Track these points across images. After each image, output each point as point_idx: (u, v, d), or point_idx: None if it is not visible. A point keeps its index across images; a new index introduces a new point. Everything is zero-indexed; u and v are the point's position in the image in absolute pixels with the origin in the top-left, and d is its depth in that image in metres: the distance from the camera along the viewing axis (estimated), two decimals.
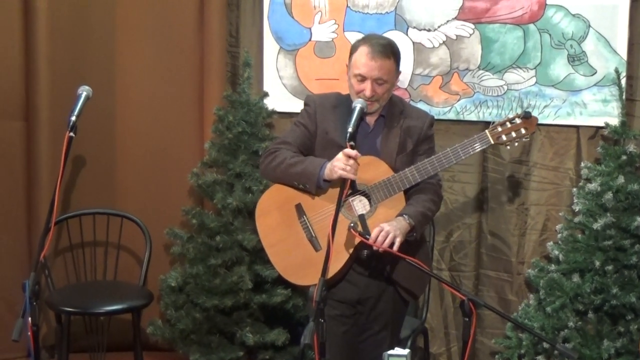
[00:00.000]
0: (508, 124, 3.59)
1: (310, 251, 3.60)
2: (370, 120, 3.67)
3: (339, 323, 3.64)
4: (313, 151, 3.70)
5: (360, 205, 3.58)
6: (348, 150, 3.40)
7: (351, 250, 3.54)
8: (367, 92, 3.54)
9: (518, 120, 3.59)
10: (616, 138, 4.33)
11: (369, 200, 3.57)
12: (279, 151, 3.66)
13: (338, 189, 3.38)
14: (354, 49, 3.63)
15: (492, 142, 3.59)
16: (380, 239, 3.41)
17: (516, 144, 3.63)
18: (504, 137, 3.58)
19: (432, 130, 3.74)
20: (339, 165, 3.42)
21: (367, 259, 3.59)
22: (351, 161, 3.40)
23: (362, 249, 3.54)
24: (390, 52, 3.59)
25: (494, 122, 3.64)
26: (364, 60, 3.55)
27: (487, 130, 3.58)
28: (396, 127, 3.65)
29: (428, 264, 3.91)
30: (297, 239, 3.62)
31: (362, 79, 3.56)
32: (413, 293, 3.72)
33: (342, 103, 3.68)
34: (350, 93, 3.65)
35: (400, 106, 3.72)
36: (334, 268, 3.49)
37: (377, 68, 3.54)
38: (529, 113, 3.59)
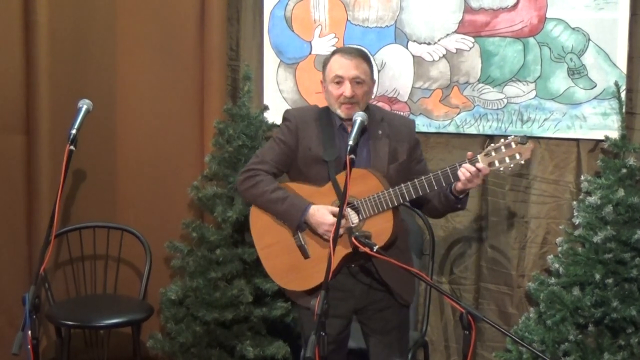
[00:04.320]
0: (503, 149, 3.46)
1: (299, 258, 3.64)
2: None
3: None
4: (294, 167, 3.71)
5: (348, 217, 3.59)
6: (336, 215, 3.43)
7: (340, 260, 3.56)
8: (347, 92, 3.54)
9: (514, 145, 3.45)
10: (616, 151, 4.31)
11: (357, 213, 3.58)
12: (258, 176, 3.68)
13: (330, 201, 3.50)
14: (326, 61, 3.67)
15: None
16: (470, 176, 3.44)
17: (510, 169, 3.53)
18: (496, 163, 3.47)
19: (416, 134, 3.78)
20: (332, 230, 3.39)
21: (351, 272, 3.65)
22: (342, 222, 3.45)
23: (350, 262, 3.60)
24: (363, 54, 3.65)
25: (488, 146, 3.52)
26: (339, 62, 3.59)
27: (479, 155, 3.48)
28: (382, 136, 3.65)
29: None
30: (287, 245, 3.66)
31: (340, 80, 3.57)
32: (407, 295, 3.74)
33: (323, 116, 3.68)
34: (329, 104, 3.66)
35: (379, 113, 3.73)
36: (319, 278, 3.48)
37: (353, 66, 3.56)
38: (526, 139, 3.44)
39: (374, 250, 3.33)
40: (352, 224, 3.56)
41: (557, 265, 4.35)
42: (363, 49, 3.80)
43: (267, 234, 3.70)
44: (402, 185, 3.52)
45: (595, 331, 4.23)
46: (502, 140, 3.48)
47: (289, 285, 3.70)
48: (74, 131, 3.44)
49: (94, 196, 5.05)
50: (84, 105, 3.58)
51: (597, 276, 4.17)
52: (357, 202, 3.56)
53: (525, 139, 3.44)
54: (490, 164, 3.47)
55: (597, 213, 4.25)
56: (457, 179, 3.48)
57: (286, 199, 3.61)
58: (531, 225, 4.63)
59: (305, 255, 3.64)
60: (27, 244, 4.94)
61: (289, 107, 4.76)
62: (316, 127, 3.67)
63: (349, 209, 3.57)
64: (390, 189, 3.53)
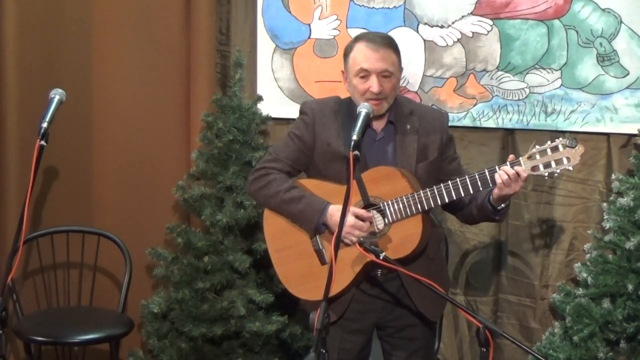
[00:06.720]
0: (549, 152, 3.49)
1: (316, 264, 3.67)
2: (378, 126, 3.69)
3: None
4: (312, 165, 3.75)
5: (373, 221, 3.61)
6: (360, 216, 3.53)
7: (358, 269, 3.59)
8: (375, 88, 3.56)
9: (561, 148, 3.49)
10: None
11: (383, 217, 3.60)
12: (270, 175, 3.73)
13: (354, 201, 3.52)
14: (349, 49, 3.68)
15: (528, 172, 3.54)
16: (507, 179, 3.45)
17: (556, 174, 3.58)
18: (541, 167, 3.50)
19: (450, 130, 3.81)
20: (353, 233, 3.52)
21: (376, 280, 3.66)
22: (365, 225, 3.53)
23: (374, 269, 3.61)
24: (390, 42, 3.67)
25: (532, 148, 3.54)
26: (364, 54, 3.60)
27: (521, 158, 3.52)
28: (411, 131, 3.68)
29: (447, 283, 4.03)
30: (303, 249, 3.70)
31: (366, 74, 3.59)
32: (434, 312, 3.79)
33: (343, 108, 3.71)
34: (353, 97, 3.68)
35: (408, 106, 3.76)
36: (337, 287, 3.56)
37: (380, 59, 3.58)
38: (575, 142, 3.48)
39: (381, 257, 3.30)
40: (377, 229, 3.59)
41: (585, 275, 4.33)
42: (389, 35, 3.83)
43: (282, 237, 3.74)
44: (435, 187, 3.55)
45: (627, 348, 4.21)
46: (549, 142, 3.51)
47: (302, 294, 3.71)
48: (45, 124, 3.43)
49: (68, 197, 5.04)
50: (57, 95, 3.57)
51: (630, 287, 4.16)
52: (383, 204, 3.59)
53: (574, 142, 3.48)
54: (534, 168, 3.50)
55: (630, 216, 4.24)
56: (495, 183, 3.51)
57: (302, 199, 3.65)
58: (556, 230, 4.62)
59: (323, 261, 3.66)
60: None
61: (287, 98, 4.87)
62: (335, 120, 3.70)
63: (374, 212, 3.60)
64: (421, 192, 3.55)
